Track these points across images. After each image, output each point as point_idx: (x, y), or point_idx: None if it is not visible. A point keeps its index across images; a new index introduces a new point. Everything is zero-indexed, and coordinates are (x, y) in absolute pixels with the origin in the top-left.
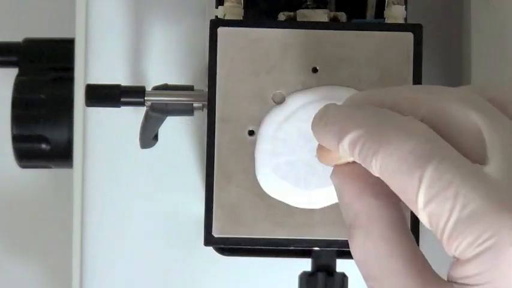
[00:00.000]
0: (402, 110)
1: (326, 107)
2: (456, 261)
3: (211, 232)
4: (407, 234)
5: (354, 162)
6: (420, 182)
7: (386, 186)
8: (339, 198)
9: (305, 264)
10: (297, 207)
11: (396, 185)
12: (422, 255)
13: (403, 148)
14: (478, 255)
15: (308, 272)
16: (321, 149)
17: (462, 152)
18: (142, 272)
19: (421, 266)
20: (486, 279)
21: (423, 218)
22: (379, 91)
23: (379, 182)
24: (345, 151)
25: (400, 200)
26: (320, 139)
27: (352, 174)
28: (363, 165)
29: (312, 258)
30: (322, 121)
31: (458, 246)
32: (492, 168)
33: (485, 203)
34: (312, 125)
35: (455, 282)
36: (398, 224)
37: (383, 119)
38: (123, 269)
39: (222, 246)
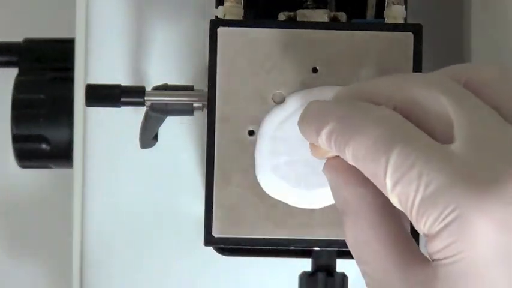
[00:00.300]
0: (379, 100)
1: (309, 104)
2: (427, 239)
3: (211, 232)
4: (393, 218)
5: (338, 159)
6: (386, 166)
7: None
8: (331, 189)
9: (305, 264)
10: (297, 207)
11: (367, 171)
12: (408, 237)
13: (370, 136)
14: (442, 229)
15: (308, 272)
16: (312, 144)
17: (433, 135)
18: (142, 272)
19: (405, 247)
20: (454, 252)
21: (394, 201)
22: (360, 85)
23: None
24: (324, 144)
25: None
26: (304, 135)
27: (340, 165)
28: (340, 155)
29: (312, 258)
30: (304, 118)
31: (425, 223)
32: (456, 146)
33: (447, 179)
34: (297, 123)
35: (433, 260)
36: (383, 209)
37: (355, 110)
38: (123, 269)
39: (222, 246)
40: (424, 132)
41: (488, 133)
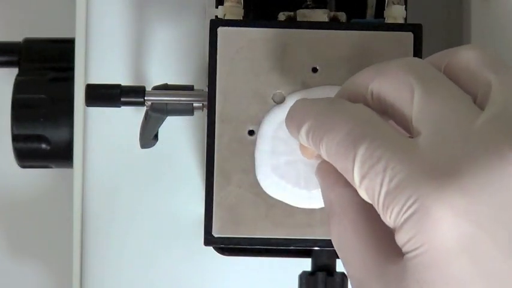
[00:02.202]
0: (358, 92)
1: (295, 102)
2: (395, 232)
3: (211, 232)
4: (375, 219)
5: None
6: (354, 161)
7: None
8: (321, 191)
9: (305, 264)
10: (297, 207)
11: (339, 167)
12: (388, 234)
13: (340, 132)
14: (405, 221)
15: (308, 271)
16: (301, 144)
17: (404, 125)
18: (142, 272)
19: (383, 244)
20: (417, 244)
21: (362, 194)
22: (346, 83)
23: None
24: (303, 140)
25: None
26: (289, 132)
27: (328, 168)
28: (316, 150)
29: (312, 258)
30: (288, 116)
31: (391, 216)
32: (422, 138)
33: (410, 173)
34: (284, 119)
35: (404, 253)
36: (366, 210)
37: (332, 108)
38: (123, 269)
39: (222, 246)
40: (396, 122)
41: (455, 125)
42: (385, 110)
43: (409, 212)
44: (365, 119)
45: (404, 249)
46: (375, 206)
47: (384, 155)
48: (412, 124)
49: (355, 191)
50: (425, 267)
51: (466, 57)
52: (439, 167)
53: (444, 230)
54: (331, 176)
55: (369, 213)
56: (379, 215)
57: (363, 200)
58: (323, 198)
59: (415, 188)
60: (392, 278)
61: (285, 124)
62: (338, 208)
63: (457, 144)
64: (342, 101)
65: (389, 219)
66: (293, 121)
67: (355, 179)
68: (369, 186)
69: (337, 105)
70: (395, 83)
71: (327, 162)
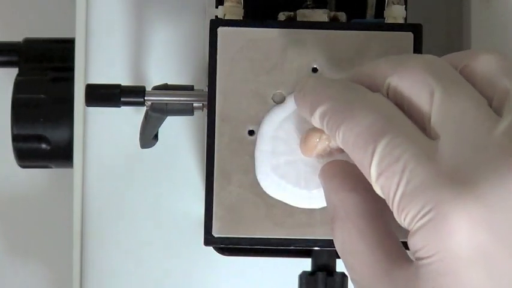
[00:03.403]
0: (375, 82)
1: (307, 78)
2: (408, 234)
3: (211, 232)
4: (379, 222)
5: (334, 160)
6: (372, 156)
7: (364, 180)
8: (324, 195)
9: (305, 264)
10: (297, 207)
11: (355, 158)
12: (396, 242)
13: (361, 123)
14: (420, 227)
15: (308, 271)
16: (301, 142)
17: (421, 124)
18: (142, 272)
19: (391, 251)
20: (432, 251)
21: (377, 190)
22: (360, 67)
23: (356, 177)
24: (317, 122)
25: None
26: (299, 109)
27: (332, 171)
28: (331, 136)
29: (312, 258)
30: (301, 92)
31: (405, 219)
32: (443, 142)
33: (428, 177)
34: (293, 95)
35: (416, 259)
36: (372, 215)
37: (351, 94)
38: (123, 269)
39: (222, 246)
40: (413, 119)
41: (474, 132)
42: (400, 105)
43: (425, 219)
44: (387, 113)
45: (417, 255)
46: (389, 205)
47: (403, 154)
48: (431, 125)
49: (361, 195)
50: (440, 275)
51: (485, 61)
52: (458, 174)
53: (461, 238)
54: (336, 179)
55: (375, 218)
56: (385, 221)
57: (369, 205)
58: (326, 201)
59: (433, 194)
60: (403, 283)
61: (283, 124)
62: (342, 213)
63: (476, 153)
64: (360, 87)
65: (403, 220)
66: (305, 100)
67: (372, 175)
68: (385, 185)
69: (357, 91)
70: (415, 80)
71: (331, 164)
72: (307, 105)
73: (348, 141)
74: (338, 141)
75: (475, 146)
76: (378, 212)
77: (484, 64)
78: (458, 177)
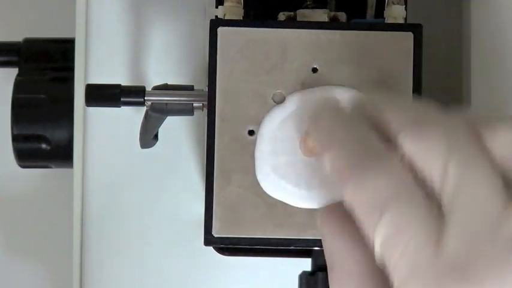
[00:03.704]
0: (390, 131)
1: (324, 109)
2: None
3: (211, 232)
4: (378, 279)
5: (333, 206)
6: (376, 224)
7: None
8: (322, 238)
9: (305, 264)
10: (297, 207)
11: (358, 216)
12: None
13: (371, 185)
14: None
15: (308, 271)
16: (301, 142)
17: (430, 193)
18: (142, 272)
19: None
20: None
21: (376, 251)
22: (379, 102)
23: (355, 224)
24: (327, 168)
25: None
26: (311, 136)
27: (333, 215)
28: (339, 184)
29: (312, 258)
30: (315, 122)
31: None
32: (449, 229)
33: (430, 266)
34: (308, 119)
35: None
36: (370, 269)
37: (365, 147)
38: (123, 269)
39: (222, 246)
40: (424, 185)
41: (486, 223)
42: (412, 167)
43: None
44: (398, 181)
45: None
46: (389, 273)
47: (408, 229)
48: (441, 200)
49: (361, 247)
50: None
51: (505, 133)
52: (461, 268)
53: None
54: (335, 224)
55: (373, 275)
56: (384, 278)
57: (368, 258)
58: (323, 245)
59: (436, 286)
60: None
61: (283, 124)
62: (340, 262)
63: (483, 248)
64: (376, 142)
65: None
66: (319, 133)
67: (375, 243)
68: (385, 256)
69: (372, 147)
70: (431, 150)
71: (331, 208)
72: (318, 140)
73: (354, 198)
74: (346, 194)
75: (484, 241)
76: (377, 268)
77: (504, 137)
78: (461, 272)
